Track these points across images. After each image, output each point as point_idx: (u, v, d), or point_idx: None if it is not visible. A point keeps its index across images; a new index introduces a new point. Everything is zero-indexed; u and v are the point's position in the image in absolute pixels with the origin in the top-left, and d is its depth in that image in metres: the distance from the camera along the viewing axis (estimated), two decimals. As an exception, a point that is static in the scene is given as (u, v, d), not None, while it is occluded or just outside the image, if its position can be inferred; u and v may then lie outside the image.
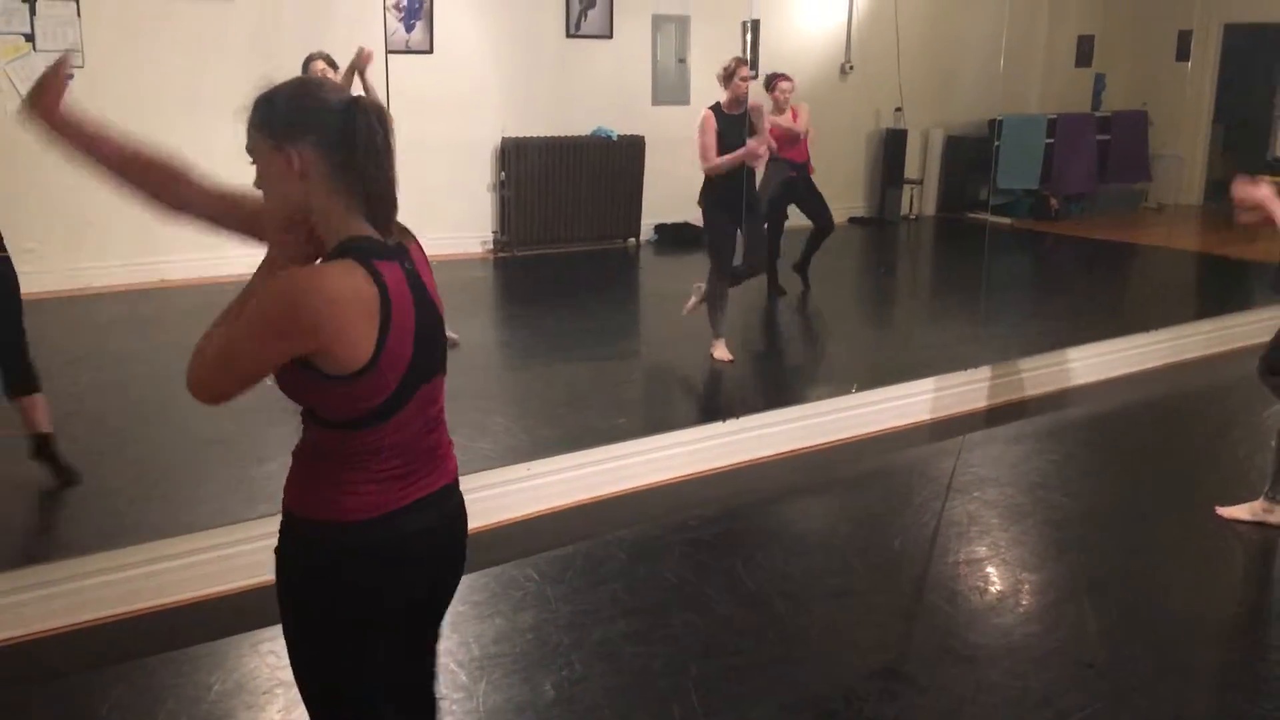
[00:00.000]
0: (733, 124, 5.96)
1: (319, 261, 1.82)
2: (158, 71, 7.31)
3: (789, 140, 7.46)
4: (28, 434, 4.21)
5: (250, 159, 1.85)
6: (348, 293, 1.72)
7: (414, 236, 1.96)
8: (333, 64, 5.76)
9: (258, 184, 1.86)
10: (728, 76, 5.96)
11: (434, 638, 2.20)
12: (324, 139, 1.79)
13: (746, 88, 5.95)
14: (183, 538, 3.77)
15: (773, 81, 7.42)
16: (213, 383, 1.78)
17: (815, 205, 7.89)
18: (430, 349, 1.88)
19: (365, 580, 1.89)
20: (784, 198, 7.65)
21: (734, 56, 6.08)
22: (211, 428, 4.79)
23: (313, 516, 1.88)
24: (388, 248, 1.83)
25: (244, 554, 3.68)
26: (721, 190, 6.06)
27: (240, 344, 1.75)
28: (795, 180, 7.64)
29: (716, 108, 5.98)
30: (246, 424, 4.80)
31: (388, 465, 1.87)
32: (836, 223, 8.07)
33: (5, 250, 4.05)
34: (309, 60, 5.76)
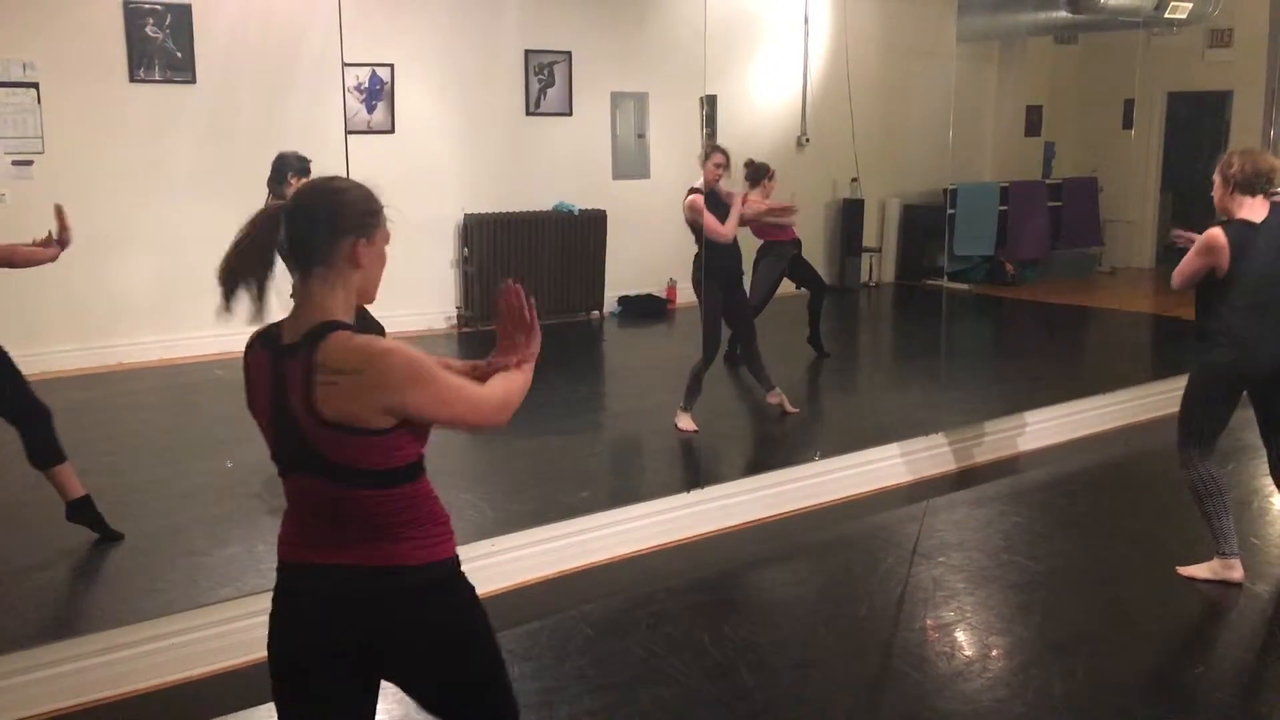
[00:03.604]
0: (717, 202, 6.18)
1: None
2: (118, 156, 7.32)
3: (781, 224, 7.44)
4: (64, 500, 4.35)
5: (360, 265, 2.04)
6: None
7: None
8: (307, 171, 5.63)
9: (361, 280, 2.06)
10: (702, 161, 6.20)
11: None
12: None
13: (719, 172, 6.17)
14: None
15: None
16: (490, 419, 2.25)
17: (808, 274, 8.09)
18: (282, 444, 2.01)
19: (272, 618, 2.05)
20: (784, 274, 7.73)
21: (707, 143, 6.21)
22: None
23: None
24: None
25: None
26: (718, 258, 6.19)
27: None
28: (797, 257, 7.78)
29: (699, 189, 6.15)
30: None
31: (286, 519, 2.05)
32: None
33: None
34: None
